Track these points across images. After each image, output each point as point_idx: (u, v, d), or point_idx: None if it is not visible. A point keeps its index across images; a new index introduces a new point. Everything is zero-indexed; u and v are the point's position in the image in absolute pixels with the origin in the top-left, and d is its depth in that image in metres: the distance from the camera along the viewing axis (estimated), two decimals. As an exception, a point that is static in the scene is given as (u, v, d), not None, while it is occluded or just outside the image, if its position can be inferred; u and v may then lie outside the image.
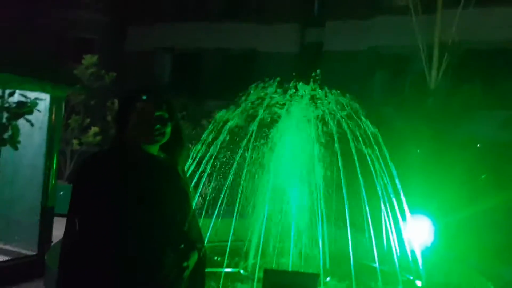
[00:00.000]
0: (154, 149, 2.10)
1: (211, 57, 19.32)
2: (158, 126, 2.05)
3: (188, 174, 2.65)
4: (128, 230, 1.95)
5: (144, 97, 2.10)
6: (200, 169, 5.37)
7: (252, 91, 5.40)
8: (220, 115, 5.50)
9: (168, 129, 2.10)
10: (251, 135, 5.14)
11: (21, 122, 4.89)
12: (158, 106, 2.08)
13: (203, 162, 5.41)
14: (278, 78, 5.38)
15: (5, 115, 4.82)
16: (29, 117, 4.87)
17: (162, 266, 1.99)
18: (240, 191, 5.19)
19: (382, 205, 5.02)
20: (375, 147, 5.04)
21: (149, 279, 1.97)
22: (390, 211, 5.06)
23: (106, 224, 1.94)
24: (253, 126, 5.14)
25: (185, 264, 2.05)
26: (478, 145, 12.17)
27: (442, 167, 8.89)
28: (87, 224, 1.96)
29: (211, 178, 5.61)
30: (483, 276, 5.05)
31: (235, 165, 5.18)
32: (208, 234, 4.56)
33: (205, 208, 5.28)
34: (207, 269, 2.26)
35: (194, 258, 2.12)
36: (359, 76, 14.58)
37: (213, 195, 5.51)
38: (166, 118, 2.08)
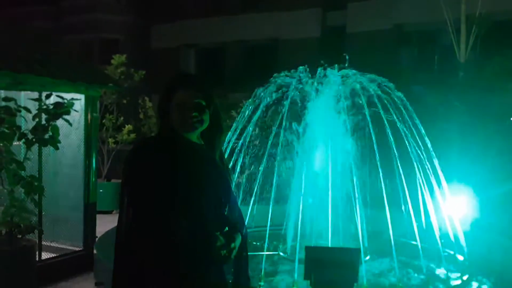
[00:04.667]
0: (193, 136, 2.15)
1: (234, 50, 19.32)
2: (195, 113, 2.08)
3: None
4: (180, 214, 2.00)
5: (182, 86, 2.14)
6: (233, 158, 5.42)
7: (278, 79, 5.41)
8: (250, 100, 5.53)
9: (206, 116, 2.13)
10: (283, 117, 5.15)
11: (58, 123, 5.04)
12: (195, 94, 2.11)
13: (236, 150, 5.46)
14: (301, 67, 5.36)
15: (44, 116, 4.97)
16: (66, 117, 5.01)
17: (213, 248, 2.04)
18: (274, 177, 5.22)
19: (420, 182, 4.96)
20: (410, 123, 4.97)
21: (203, 262, 2.02)
22: (428, 188, 4.99)
23: (159, 209, 1.99)
24: (285, 108, 5.14)
25: (232, 245, 2.10)
26: None
27: (478, 140, 8.68)
28: (140, 210, 2.01)
29: (244, 166, 5.66)
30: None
31: (267, 150, 5.21)
32: (246, 221, 4.60)
33: (240, 197, 5.34)
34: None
35: (238, 239, 2.16)
36: (385, 56, 14.29)
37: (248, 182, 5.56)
38: (203, 105, 2.11)
